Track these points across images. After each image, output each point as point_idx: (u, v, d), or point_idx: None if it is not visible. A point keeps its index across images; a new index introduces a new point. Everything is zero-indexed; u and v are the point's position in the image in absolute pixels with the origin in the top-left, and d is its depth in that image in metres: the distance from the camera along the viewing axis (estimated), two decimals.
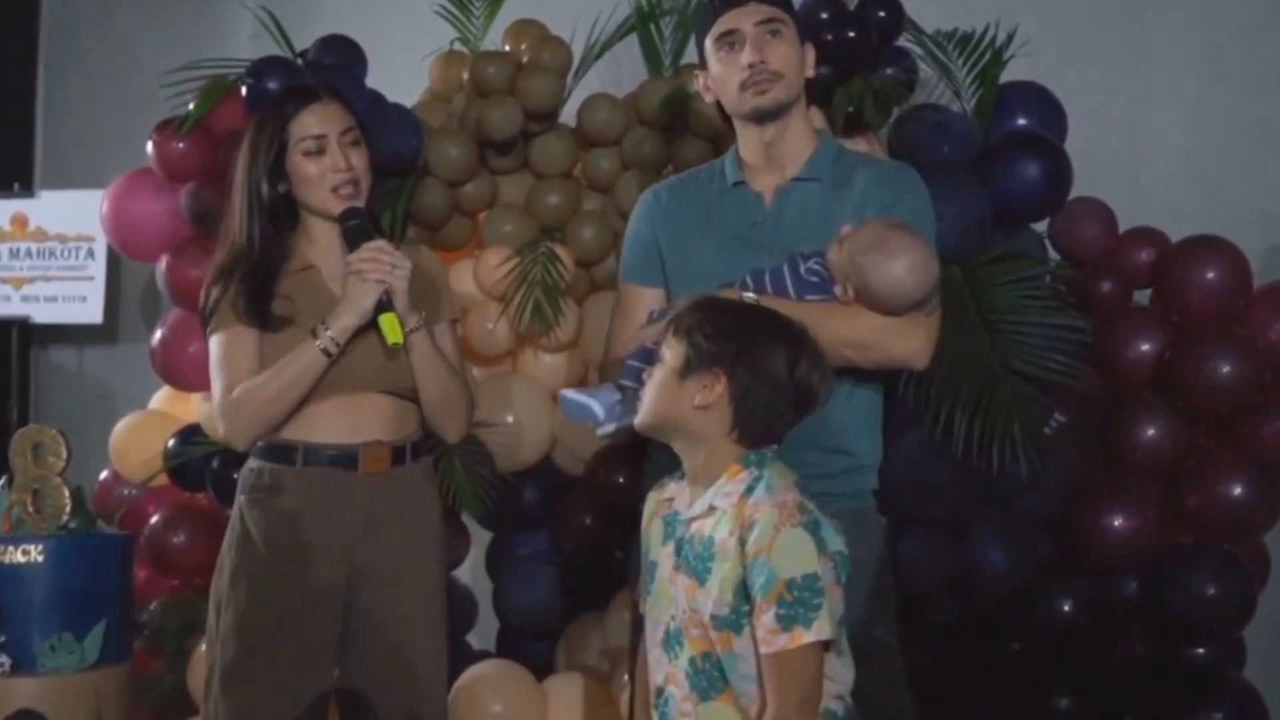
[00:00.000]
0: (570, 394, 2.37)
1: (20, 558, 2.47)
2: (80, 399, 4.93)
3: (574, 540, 3.53)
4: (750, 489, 1.97)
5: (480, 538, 3.77)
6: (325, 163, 2.47)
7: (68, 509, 2.57)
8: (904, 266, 2.24)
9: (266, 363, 2.44)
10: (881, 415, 2.44)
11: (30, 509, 2.57)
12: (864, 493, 2.40)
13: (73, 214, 4.57)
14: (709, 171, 2.52)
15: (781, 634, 1.89)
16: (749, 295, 2.27)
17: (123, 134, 4.79)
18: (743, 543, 1.93)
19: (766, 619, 1.89)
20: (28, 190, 4.76)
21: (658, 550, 2.07)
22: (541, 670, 3.45)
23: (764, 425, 1.99)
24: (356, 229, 2.46)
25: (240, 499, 2.51)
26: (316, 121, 2.47)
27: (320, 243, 2.53)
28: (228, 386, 2.45)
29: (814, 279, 2.29)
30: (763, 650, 1.91)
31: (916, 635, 3.24)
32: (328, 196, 2.48)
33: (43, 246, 4.60)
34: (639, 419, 2.07)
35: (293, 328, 2.45)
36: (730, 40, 2.39)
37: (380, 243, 2.45)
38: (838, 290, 2.28)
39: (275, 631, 2.42)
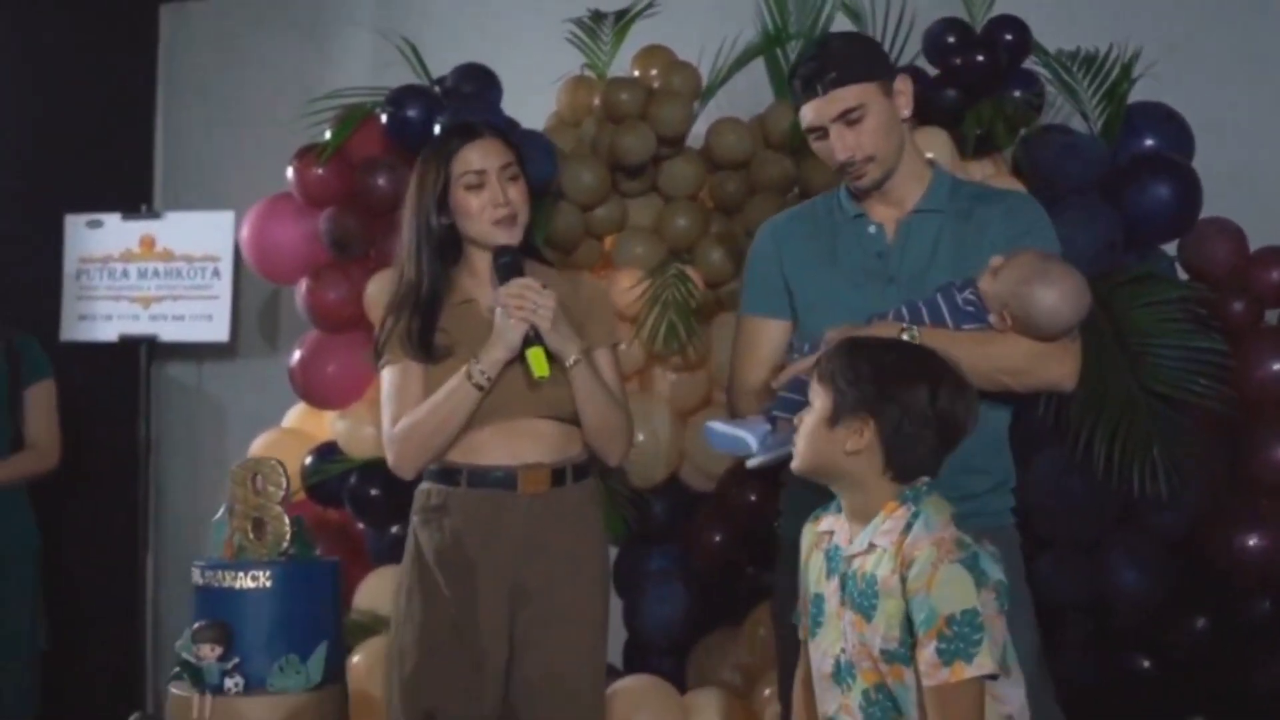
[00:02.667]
0: (719, 425, 2.41)
1: (250, 583, 2.59)
2: (199, 415, 5.08)
3: (704, 557, 3.59)
4: (909, 526, 2.01)
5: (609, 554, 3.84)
6: (485, 197, 2.55)
7: (288, 536, 2.68)
8: (1060, 295, 2.30)
9: (430, 393, 2.53)
10: (1008, 435, 2.48)
11: (251, 536, 2.68)
12: (1004, 511, 2.45)
13: (199, 235, 4.71)
14: (826, 203, 2.55)
15: (943, 668, 1.93)
16: (910, 328, 2.31)
17: (242, 157, 4.94)
18: (904, 579, 1.98)
19: (928, 653, 1.94)
20: (152, 211, 4.90)
21: (822, 584, 2.12)
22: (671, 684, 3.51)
23: (916, 460, 2.04)
24: (507, 266, 2.55)
25: (414, 519, 2.61)
26: (478, 157, 2.56)
27: (481, 275, 2.62)
28: (395, 418, 2.55)
29: (970, 308, 2.34)
30: (925, 683, 1.96)
31: (1052, 654, 3.29)
32: (488, 229, 2.57)
33: (170, 266, 4.73)
34: (795, 464, 2.12)
35: (452, 359, 2.54)
36: (816, 135, 2.42)
37: (526, 280, 2.53)
38: (993, 319, 2.33)
39: (449, 644, 2.51)
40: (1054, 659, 3.26)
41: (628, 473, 3.49)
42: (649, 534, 3.69)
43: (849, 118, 2.37)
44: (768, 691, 3.18)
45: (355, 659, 3.42)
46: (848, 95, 2.37)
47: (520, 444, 2.55)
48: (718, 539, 3.54)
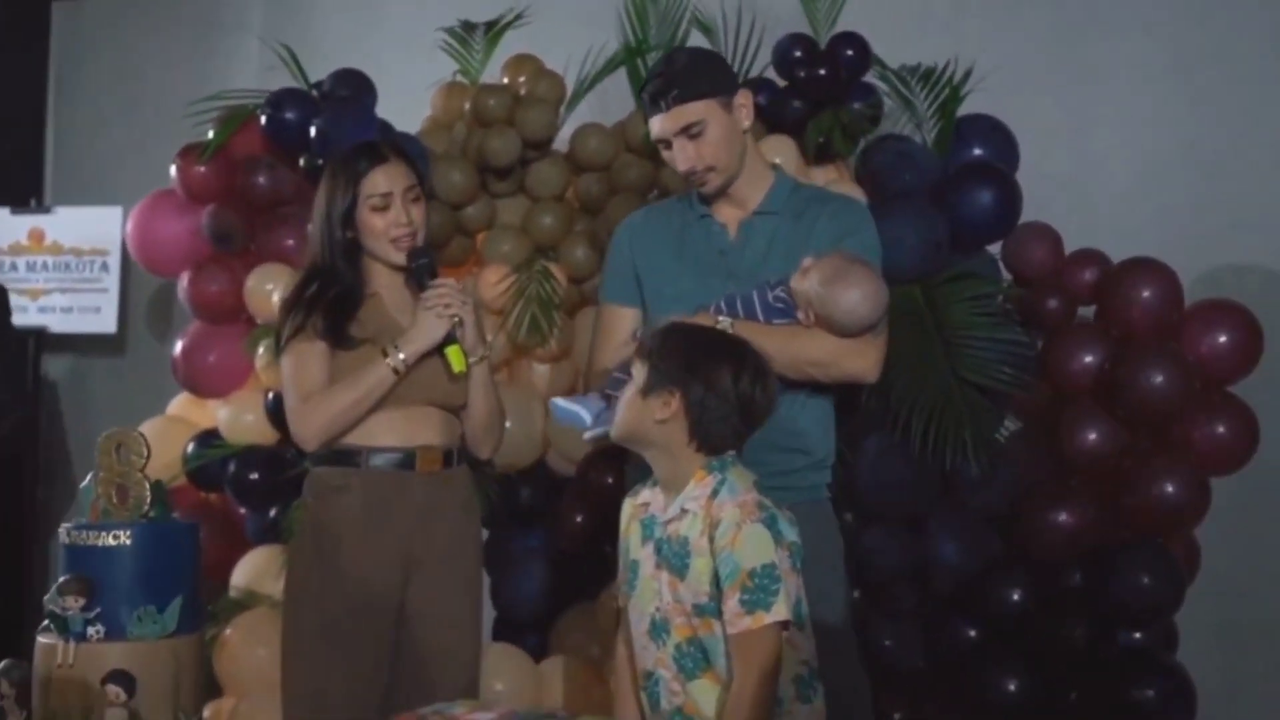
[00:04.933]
0: (560, 401, 2.66)
1: (111, 541, 2.82)
2: (90, 404, 5.19)
3: (567, 537, 3.80)
4: (715, 491, 2.24)
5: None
6: (389, 217, 2.75)
7: (148, 500, 2.90)
8: (859, 296, 2.53)
9: (335, 377, 2.72)
10: (833, 418, 2.72)
11: (114, 500, 2.88)
12: (819, 486, 2.68)
13: (87, 229, 4.83)
14: (680, 203, 2.77)
15: (745, 616, 2.17)
16: (723, 318, 2.55)
17: (131, 154, 5.05)
18: (712, 539, 2.21)
19: (732, 604, 2.18)
20: (42, 206, 5.01)
21: (638, 550, 2.34)
22: (536, 657, 3.73)
23: (718, 435, 2.27)
24: (425, 267, 2.77)
25: (309, 501, 2.79)
26: (385, 180, 2.75)
27: (381, 276, 2.82)
28: (304, 395, 2.73)
29: (780, 305, 2.57)
30: (730, 631, 2.19)
31: (879, 622, 3.56)
32: (389, 247, 2.77)
33: (59, 260, 4.85)
34: (614, 431, 2.35)
35: (361, 347, 2.74)
36: (664, 145, 2.64)
37: (451, 281, 2.77)
38: (800, 315, 2.56)
39: (346, 621, 2.68)
40: (883, 625, 3.56)
41: (494, 459, 3.69)
42: (517, 516, 3.90)
43: (690, 132, 2.59)
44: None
45: (229, 632, 3.59)
46: (689, 111, 2.58)
47: (412, 428, 2.75)
48: (579, 519, 3.76)
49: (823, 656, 2.35)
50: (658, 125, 2.62)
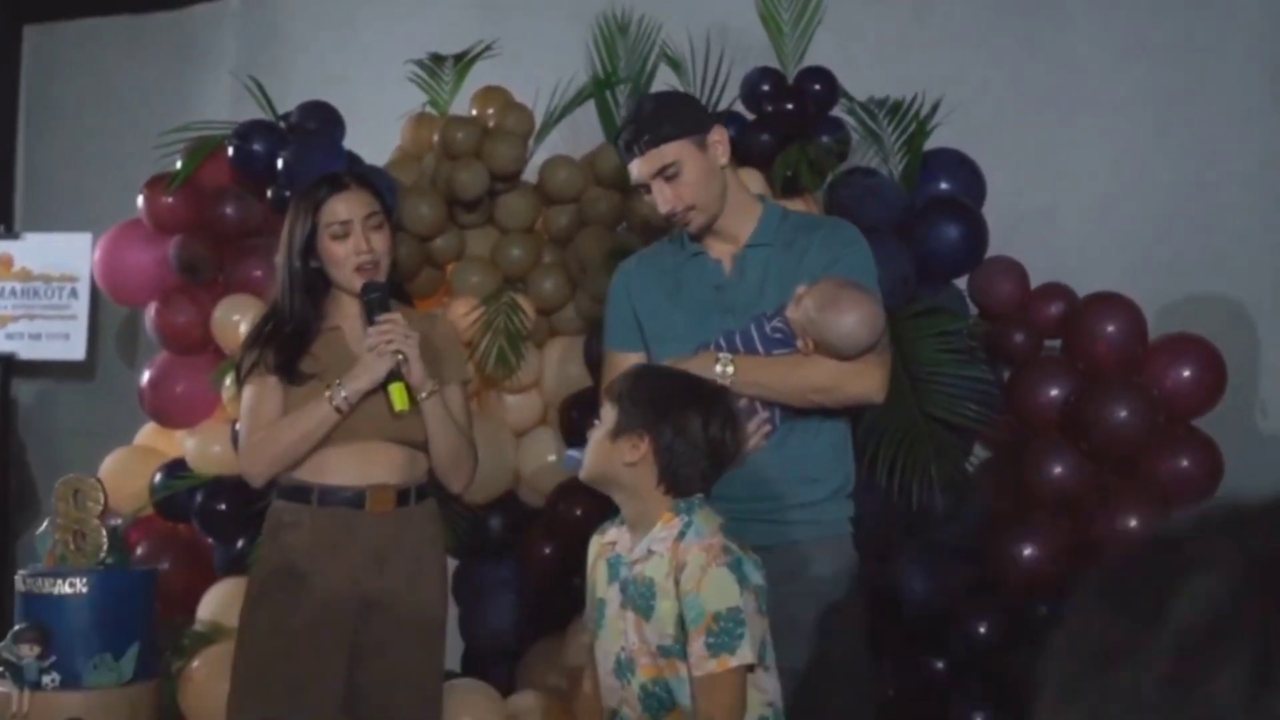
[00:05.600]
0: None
1: (67, 589, 2.81)
2: (58, 431, 5.16)
3: (536, 568, 3.81)
4: (682, 534, 2.24)
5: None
6: (350, 245, 2.74)
7: (104, 547, 2.88)
8: (855, 320, 2.52)
9: (287, 412, 2.72)
10: (850, 444, 2.70)
11: (72, 547, 2.87)
12: (841, 520, 2.65)
13: (57, 255, 4.81)
14: (672, 244, 2.77)
15: (710, 659, 2.17)
16: (723, 355, 2.54)
17: (101, 181, 5.04)
18: (677, 582, 2.21)
19: (697, 646, 2.18)
20: (11, 232, 4.98)
21: (604, 589, 2.35)
22: (503, 690, 3.72)
23: (686, 478, 2.27)
24: (376, 301, 2.75)
25: (266, 534, 2.80)
26: (344, 208, 2.75)
27: (345, 308, 2.82)
28: (252, 430, 2.73)
29: (778, 335, 2.57)
30: (694, 673, 2.20)
31: None
32: (351, 275, 2.76)
33: (28, 286, 4.83)
34: (582, 473, 2.35)
35: (314, 382, 2.73)
36: (642, 188, 2.65)
37: (395, 315, 2.74)
38: (799, 344, 2.55)
39: (289, 654, 2.68)
40: None
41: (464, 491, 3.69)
42: (486, 548, 3.90)
43: (666, 174, 2.59)
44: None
45: (195, 664, 3.57)
46: (662, 154, 2.59)
47: (368, 466, 2.74)
48: (548, 551, 3.77)
49: (836, 699, 2.40)
50: (634, 170, 2.63)
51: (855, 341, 2.53)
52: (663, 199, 2.60)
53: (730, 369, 2.51)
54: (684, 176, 2.59)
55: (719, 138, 2.65)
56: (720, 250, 2.67)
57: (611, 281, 2.82)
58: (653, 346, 2.68)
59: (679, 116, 2.65)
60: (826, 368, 2.55)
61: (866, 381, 2.57)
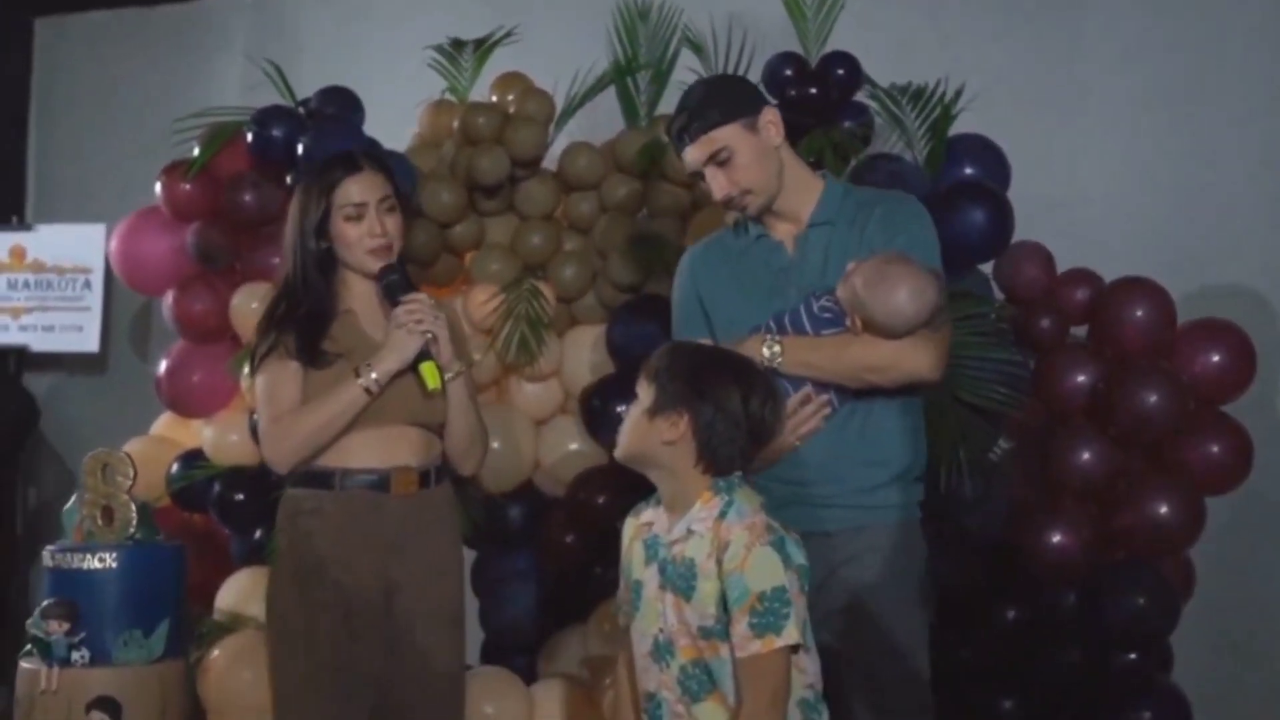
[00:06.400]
0: None
1: (96, 564, 2.78)
2: (72, 423, 5.13)
3: (555, 558, 3.77)
4: (723, 513, 2.21)
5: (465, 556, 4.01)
6: (363, 227, 2.70)
7: (134, 522, 2.84)
8: (905, 295, 2.45)
9: (308, 396, 2.67)
10: (919, 425, 2.63)
11: (100, 522, 2.83)
12: (908, 504, 2.59)
13: (70, 247, 4.79)
14: (737, 227, 2.71)
15: (755, 640, 2.14)
16: (771, 338, 2.48)
17: (114, 171, 5.02)
18: (719, 562, 2.18)
19: (741, 627, 2.15)
20: (23, 224, 4.96)
21: (641, 571, 2.31)
22: (525, 679, 3.69)
23: (726, 456, 2.24)
24: (396, 283, 2.72)
25: (284, 525, 2.73)
26: (358, 190, 2.71)
27: (356, 291, 2.77)
28: (274, 415, 2.68)
29: (827, 315, 2.51)
30: (738, 654, 2.16)
31: None
32: (364, 257, 2.72)
33: (41, 278, 4.80)
34: (618, 451, 2.31)
35: (335, 365, 2.68)
36: (696, 176, 2.61)
37: (422, 295, 2.71)
38: (849, 322, 2.49)
39: (330, 649, 2.63)
40: None
41: (482, 479, 3.66)
42: (505, 538, 3.86)
43: (718, 159, 2.55)
44: (608, 681, 3.38)
45: (214, 655, 3.54)
46: (712, 140, 2.54)
47: (392, 449, 2.70)
48: (568, 540, 3.73)
49: (895, 687, 2.41)
50: (688, 158, 2.59)
51: (905, 318, 2.46)
52: (717, 185, 2.57)
53: (778, 350, 2.47)
54: (736, 160, 2.55)
55: (771, 118, 2.60)
56: (783, 231, 2.63)
57: (678, 268, 2.77)
58: (719, 334, 2.63)
59: (727, 101, 2.60)
60: (879, 345, 2.48)
61: (919, 359, 2.50)
